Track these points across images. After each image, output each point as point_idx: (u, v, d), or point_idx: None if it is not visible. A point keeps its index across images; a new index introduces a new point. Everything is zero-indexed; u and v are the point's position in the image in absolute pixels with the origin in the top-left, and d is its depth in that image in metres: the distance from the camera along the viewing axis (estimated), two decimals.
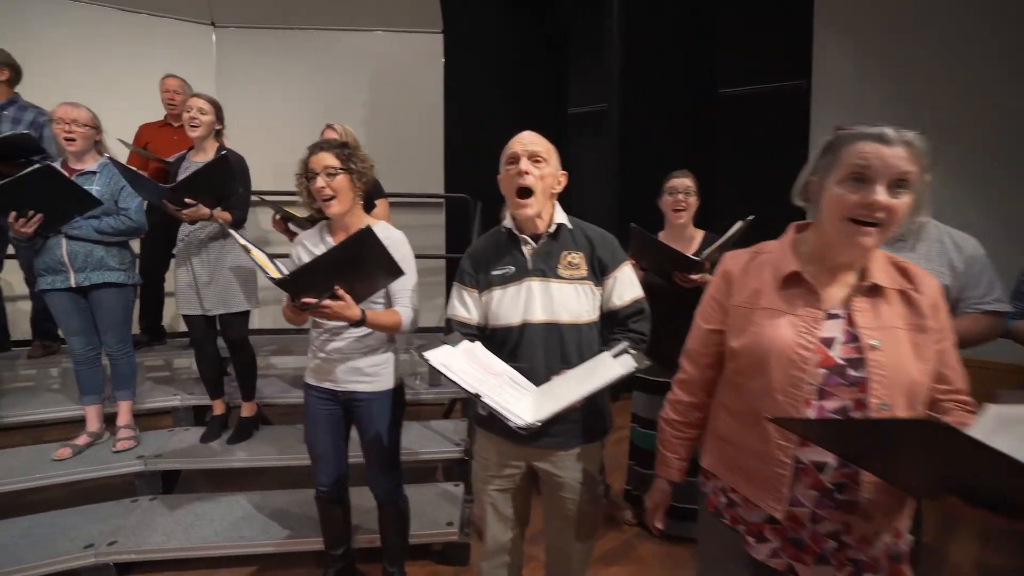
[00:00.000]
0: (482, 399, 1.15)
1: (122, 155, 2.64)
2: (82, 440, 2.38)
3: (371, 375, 1.64)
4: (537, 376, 1.32)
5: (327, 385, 1.65)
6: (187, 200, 2.09)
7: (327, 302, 1.39)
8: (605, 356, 1.26)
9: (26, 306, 3.09)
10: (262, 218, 3.56)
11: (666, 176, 2.16)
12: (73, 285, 2.22)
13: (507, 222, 1.42)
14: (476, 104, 3.89)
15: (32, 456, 2.32)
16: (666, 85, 3.94)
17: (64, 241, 2.18)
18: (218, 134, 2.33)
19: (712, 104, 4.29)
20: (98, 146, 2.30)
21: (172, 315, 3.36)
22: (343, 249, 1.34)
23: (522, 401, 1.22)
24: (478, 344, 1.35)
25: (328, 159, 1.53)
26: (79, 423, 2.47)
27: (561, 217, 1.40)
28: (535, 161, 1.32)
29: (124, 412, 2.48)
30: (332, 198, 1.53)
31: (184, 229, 2.32)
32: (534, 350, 1.35)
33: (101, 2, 3.45)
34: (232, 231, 1.46)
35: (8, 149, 2.54)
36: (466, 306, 1.43)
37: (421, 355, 1.20)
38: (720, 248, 1.85)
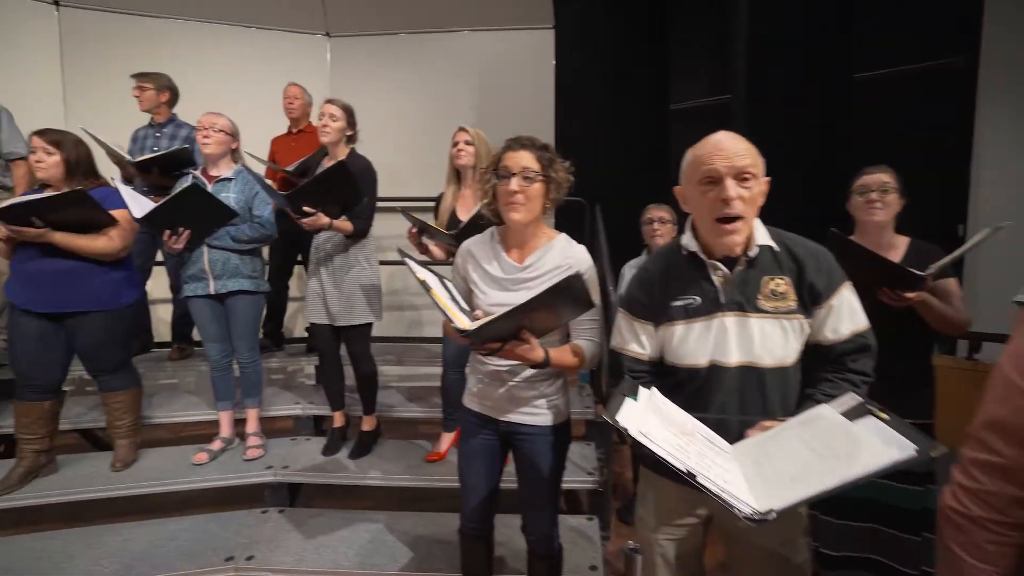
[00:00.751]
0: (697, 479, 0.90)
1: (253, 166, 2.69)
2: (216, 445, 2.42)
3: (539, 407, 1.43)
4: (728, 429, 1.08)
5: (489, 413, 1.47)
6: (305, 208, 2.04)
7: (510, 346, 1.21)
8: (826, 411, 0.98)
9: (164, 310, 3.27)
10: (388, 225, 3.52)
11: (856, 173, 1.81)
12: (212, 292, 2.25)
13: (688, 241, 1.16)
14: (586, 102, 3.67)
15: (174, 458, 2.39)
16: (797, 72, 3.50)
17: (206, 250, 2.22)
18: (350, 139, 2.26)
19: (848, 90, 3.78)
20: (234, 154, 2.32)
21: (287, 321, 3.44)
22: (552, 293, 1.13)
23: (735, 474, 0.97)
24: (655, 392, 1.12)
25: (528, 160, 1.32)
26: (212, 423, 2.53)
27: (763, 236, 1.13)
28: (743, 180, 1.06)
29: (252, 419, 2.50)
30: (521, 205, 1.33)
31: (318, 238, 2.28)
32: (726, 398, 1.11)
33: (224, 20, 3.60)
34: (410, 261, 1.30)
35: (170, 163, 2.69)
36: (639, 341, 1.21)
37: (613, 422, 0.96)
38: (954, 261, 1.49)
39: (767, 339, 1.09)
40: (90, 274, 2.07)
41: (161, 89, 2.90)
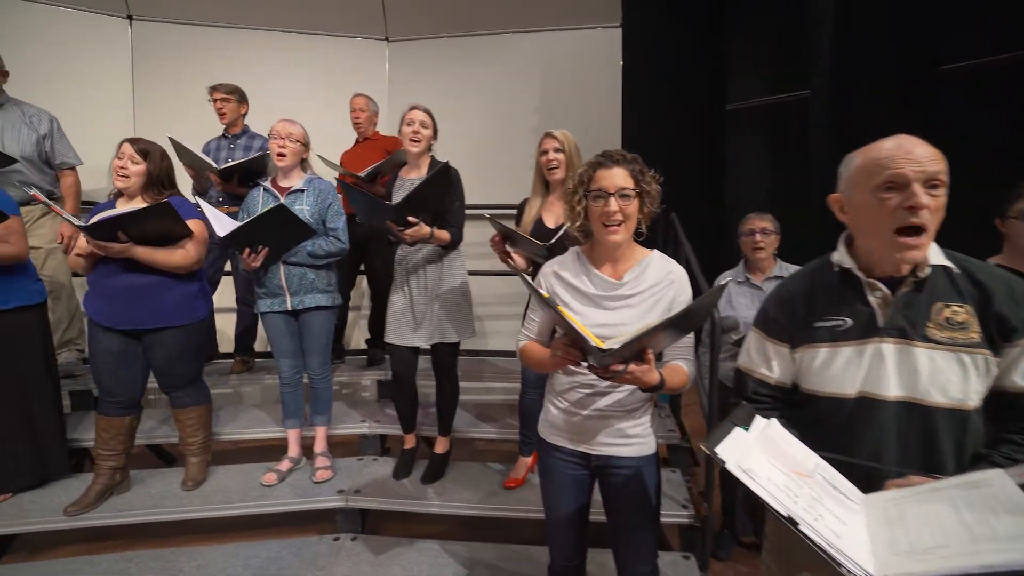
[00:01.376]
0: (799, 528, 0.78)
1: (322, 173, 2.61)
2: (285, 466, 2.33)
3: (634, 436, 1.29)
4: (874, 477, 0.91)
5: (577, 447, 1.32)
6: (410, 219, 1.92)
7: (635, 366, 1.08)
8: (997, 477, 0.79)
9: (223, 321, 3.23)
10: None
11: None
12: (288, 308, 2.16)
13: (840, 257, 1.02)
14: (654, 103, 3.47)
15: (242, 477, 2.31)
16: (879, 65, 3.22)
17: (282, 266, 2.13)
18: (430, 148, 2.15)
19: (932, 82, 3.46)
20: (303, 164, 2.24)
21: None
22: (686, 315, 1.03)
23: (856, 529, 0.82)
24: (774, 423, 0.97)
25: (623, 178, 1.20)
26: (277, 440, 2.46)
27: (937, 255, 0.97)
28: (933, 187, 0.90)
29: (321, 439, 2.40)
30: (620, 223, 1.21)
31: (401, 250, 2.17)
32: (881, 439, 0.94)
33: (286, 28, 3.58)
34: (526, 276, 1.18)
35: (249, 172, 2.65)
36: (769, 362, 1.08)
37: (711, 452, 0.86)
38: None
39: (939, 373, 0.91)
40: (165, 289, 2.01)
41: (242, 101, 2.88)
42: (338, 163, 3.06)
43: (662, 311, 1.22)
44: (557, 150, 2.00)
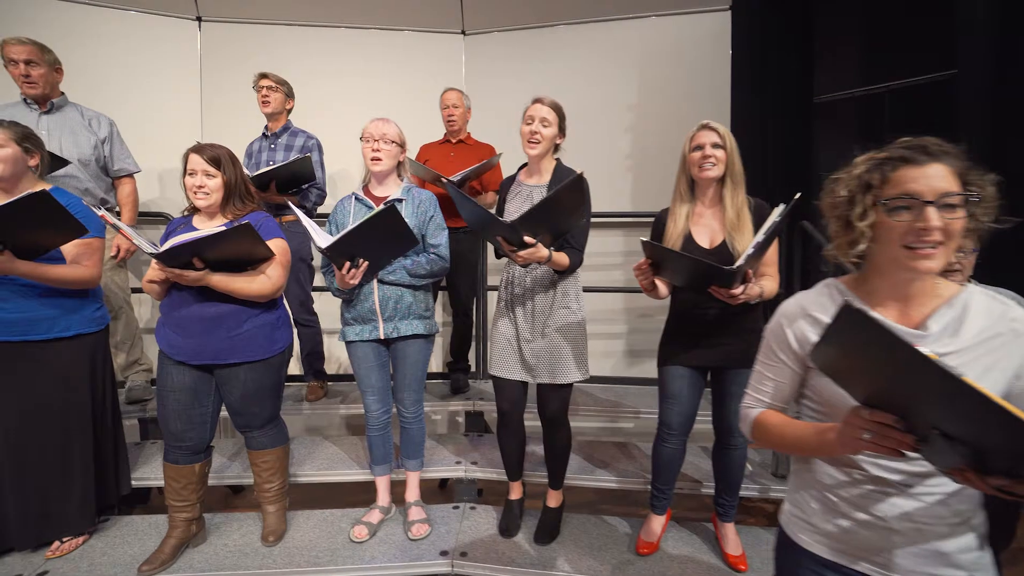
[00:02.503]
0: None
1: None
2: (375, 517, 2.02)
3: (964, 567, 0.85)
4: None
5: (876, 570, 0.90)
6: (526, 239, 1.57)
7: None
8: None
9: None
10: None
11: None
12: (381, 336, 1.85)
13: None
14: (766, 94, 3.03)
15: (327, 528, 2.01)
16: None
17: (376, 287, 1.82)
18: (556, 147, 1.80)
19: None
20: (399, 168, 1.93)
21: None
22: None
23: None
24: None
25: (946, 179, 0.80)
26: (360, 482, 2.17)
27: None
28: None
29: (413, 486, 2.09)
30: (939, 245, 0.80)
31: (510, 272, 1.84)
32: None
33: (360, 24, 3.33)
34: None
35: (289, 178, 2.37)
36: None
37: None
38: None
39: None
40: (243, 319, 1.72)
41: (289, 96, 2.60)
42: (418, 152, 2.78)
43: (1004, 381, 0.81)
44: (716, 146, 1.61)
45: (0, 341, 1.70)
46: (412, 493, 2.08)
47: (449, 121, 2.69)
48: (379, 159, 1.81)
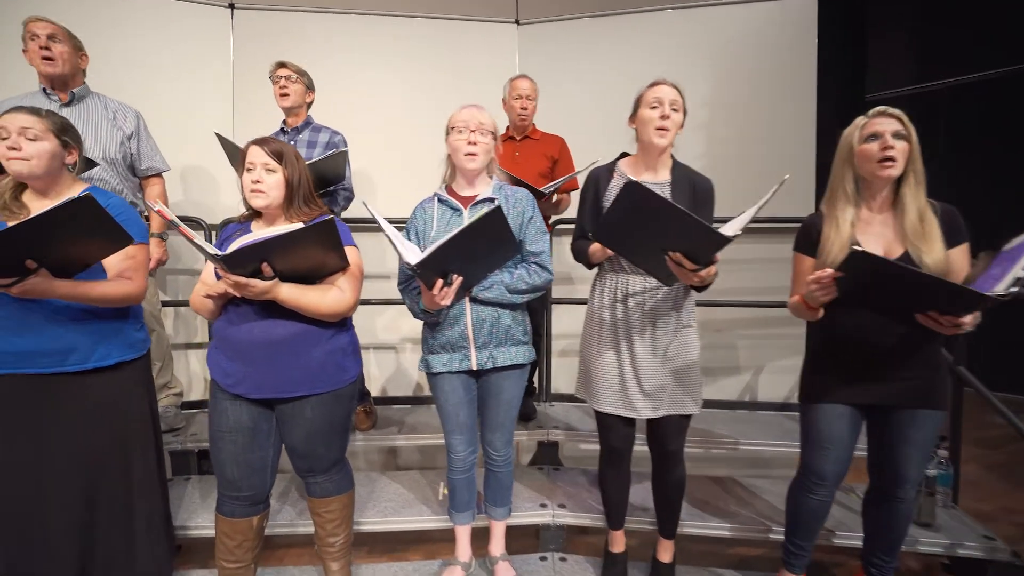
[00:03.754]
0: None
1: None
2: (456, 574, 1.72)
3: None
4: None
5: None
6: (673, 254, 1.28)
7: None
8: None
9: None
10: None
11: None
12: (473, 367, 1.55)
13: None
14: (856, 87, 2.75)
15: None
16: None
17: (468, 307, 1.53)
18: None
19: None
20: (491, 165, 1.64)
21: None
22: None
23: None
24: None
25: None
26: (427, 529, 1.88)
27: None
28: None
29: (499, 537, 1.80)
30: None
31: (613, 288, 1.56)
32: None
33: (404, 12, 3.05)
34: None
35: (317, 178, 2.05)
36: None
37: None
38: None
39: None
40: (311, 343, 1.42)
41: (310, 88, 2.29)
42: None
43: None
44: (899, 135, 1.32)
45: (30, 375, 1.39)
46: (498, 546, 1.79)
47: (521, 114, 2.38)
48: (475, 154, 1.52)
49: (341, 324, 1.51)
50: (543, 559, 1.88)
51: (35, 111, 1.43)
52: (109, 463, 1.50)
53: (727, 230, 1.23)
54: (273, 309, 1.37)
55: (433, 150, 3.09)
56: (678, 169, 1.53)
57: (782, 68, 2.84)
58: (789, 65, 2.83)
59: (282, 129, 2.28)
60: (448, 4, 3.06)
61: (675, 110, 1.46)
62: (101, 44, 2.66)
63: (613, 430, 1.59)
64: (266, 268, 1.29)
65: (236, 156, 2.00)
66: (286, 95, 2.18)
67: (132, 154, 2.12)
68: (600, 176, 1.60)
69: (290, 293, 1.34)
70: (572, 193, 2.41)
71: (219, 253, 1.28)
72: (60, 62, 1.97)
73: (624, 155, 1.65)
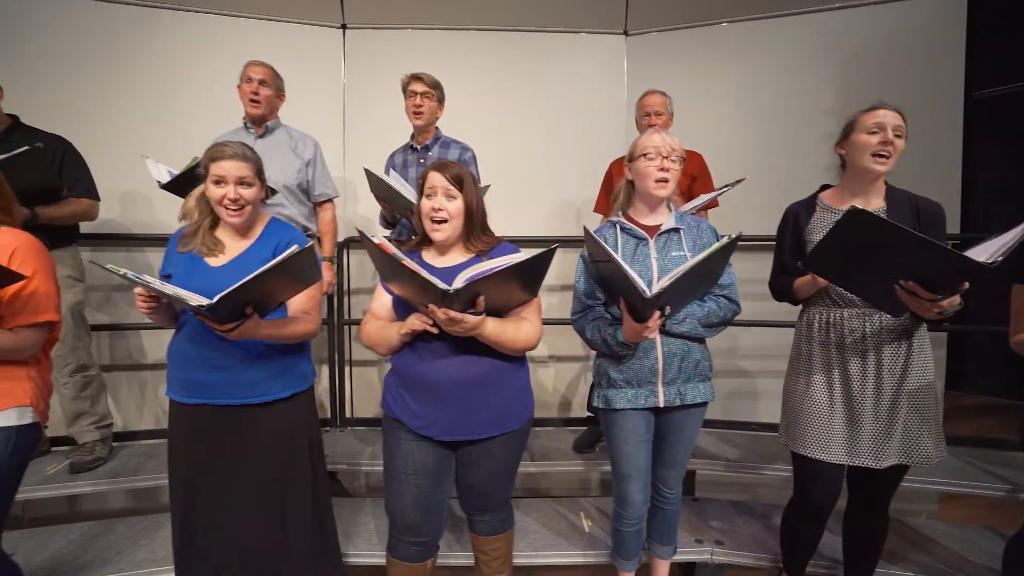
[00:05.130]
0: None
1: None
2: None
3: None
4: None
5: None
6: (906, 283, 1.18)
7: None
8: None
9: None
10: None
11: None
12: (660, 404, 1.48)
13: None
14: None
15: None
16: None
17: (659, 340, 1.46)
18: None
19: None
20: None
21: None
22: None
23: None
24: None
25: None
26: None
27: None
28: None
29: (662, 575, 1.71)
30: None
31: (821, 318, 1.47)
32: None
33: (513, 27, 3.02)
34: None
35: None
36: None
37: None
38: None
39: None
40: (503, 380, 1.38)
41: (441, 100, 2.23)
42: (609, 168, 2.45)
43: None
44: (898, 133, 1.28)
45: (223, 405, 1.41)
46: None
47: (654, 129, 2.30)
48: (667, 180, 1.45)
49: (521, 359, 1.47)
50: None
51: (244, 155, 1.43)
52: (295, 486, 1.50)
53: (978, 254, 1.11)
54: (466, 346, 1.32)
55: (543, 165, 3.07)
56: (895, 194, 1.42)
57: (909, 72, 2.66)
58: (929, 68, 2.64)
59: (411, 146, 2.26)
60: (555, 17, 3.01)
61: (898, 136, 1.35)
62: (215, 66, 2.77)
63: (820, 480, 1.46)
64: (481, 303, 1.24)
65: (383, 191, 2.01)
66: (420, 113, 2.14)
67: (308, 180, 2.17)
68: (799, 211, 1.52)
69: (493, 328, 1.29)
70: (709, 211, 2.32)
71: (447, 288, 1.17)
72: (264, 105, 2.13)
73: (825, 187, 1.55)
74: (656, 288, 1.21)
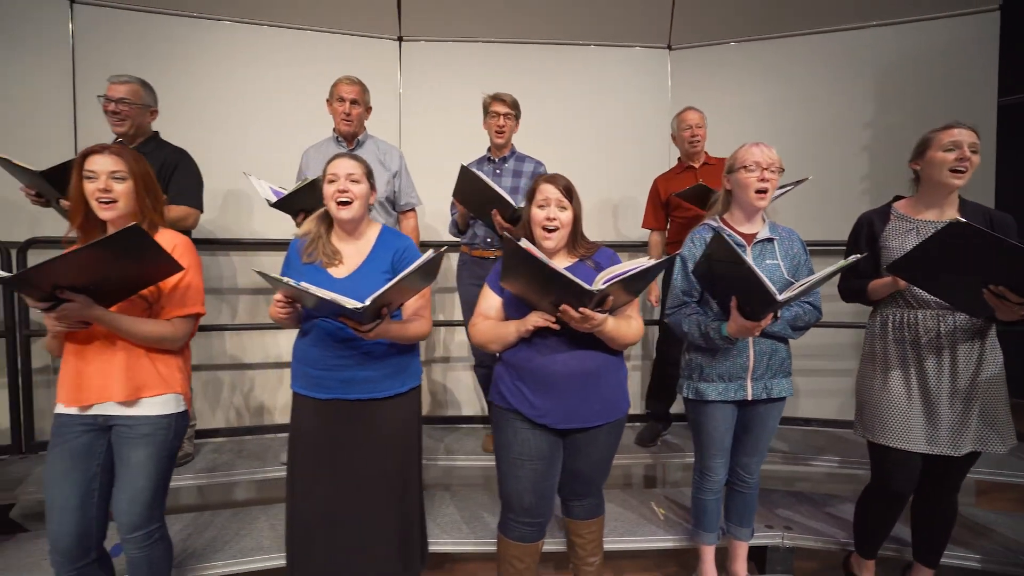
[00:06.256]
0: None
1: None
2: None
3: None
4: None
5: None
6: (995, 287, 1.32)
7: None
8: None
9: None
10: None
11: None
12: (749, 397, 1.62)
13: None
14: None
15: None
16: None
17: (751, 339, 1.60)
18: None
19: None
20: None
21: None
22: None
23: None
24: None
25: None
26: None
27: None
28: None
29: (743, 557, 1.85)
30: None
31: (897, 317, 1.61)
32: None
33: (556, 39, 3.16)
34: None
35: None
36: None
37: None
38: None
39: None
40: (612, 372, 1.52)
41: (518, 118, 2.35)
42: (654, 185, 2.59)
43: None
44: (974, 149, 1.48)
45: (351, 400, 1.53)
46: (742, 566, 1.84)
47: (693, 142, 2.45)
48: (767, 191, 1.58)
49: (620, 356, 1.59)
50: None
51: (355, 157, 1.56)
52: (410, 473, 1.63)
53: None
54: (580, 341, 1.45)
55: (588, 175, 3.19)
56: (968, 207, 1.56)
57: (949, 86, 2.81)
58: (962, 81, 2.79)
59: (488, 159, 2.39)
60: (603, 32, 3.14)
61: (974, 151, 1.49)
62: (276, 77, 2.89)
63: (904, 469, 1.60)
64: (610, 302, 1.36)
65: (474, 191, 2.06)
66: (502, 133, 2.27)
67: (395, 191, 2.28)
68: (873, 219, 1.67)
69: (613, 325, 1.42)
70: None
71: (595, 290, 1.30)
72: (355, 122, 2.23)
73: (897, 198, 1.69)
74: (786, 294, 1.34)
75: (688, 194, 2.25)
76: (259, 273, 1.32)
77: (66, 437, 1.38)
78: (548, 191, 1.50)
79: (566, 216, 1.50)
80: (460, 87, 3.10)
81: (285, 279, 1.29)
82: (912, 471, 1.59)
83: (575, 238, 1.54)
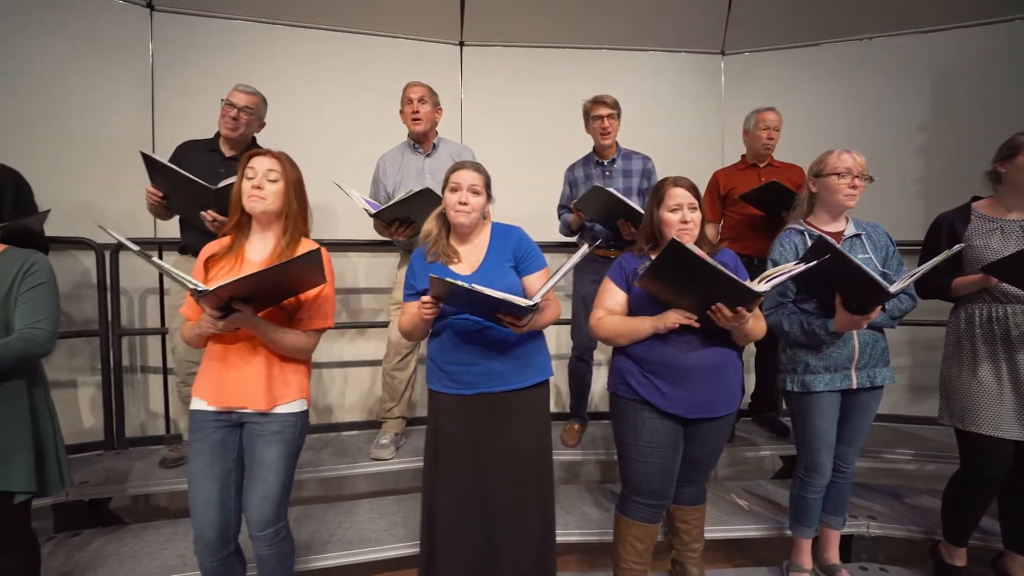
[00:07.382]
0: None
1: None
2: None
3: None
4: None
5: None
6: None
7: None
8: None
9: None
10: None
11: None
12: (854, 386, 1.69)
13: None
14: None
15: None
16: None
17: (855, 331, 1.67)
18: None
19: None
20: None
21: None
22: None
23: None
24: None
25: None
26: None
27: None
28: None
29: (835, 545, 1.92)
30: None
31: (997, 317, 1.68)
32: None
33: (609, 45, 3.24)
34: None
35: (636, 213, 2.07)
36: None
37: None
38: None
39: None
40: (733, 367, 1.61)
41: (620, 114, 2.39)
42: (713, 177, 2.66)
43: None
44: None
45: (495, 392, 1.57)
46: (835, 553, 1.90)
47: (767, 144, 2.52)
48: (855, 195, 1.66)
49: (742, 350, 1.66)
50: (864, 568, 1.98)
51: (477, 166, 1.62)
52: (545, 464, 1.67)
53: None
54: (711, 336, 1.52)
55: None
56: None
57: (1002, 90, 2.90)
58: (1010, 87, 2.88)
59: (596, 161, 2.44)
60: (657, 37, 3.22)
61: None
62: (337, 83, 2.95)
63: (996, 455, 1.66)
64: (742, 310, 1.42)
65: (604, 202, 2.11)
66: (608, 134, 2.34)
67: None
68: (953, 219, 1.75)
69: (752, 323, 1.49)
70: None
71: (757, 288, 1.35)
72: (424, 120, 2.26)
73: (975, 198, 1.77)
74: (897, 286, 1.41)
75: (753, 195, 2.32)
76: (433, 278, 1.33)
77: (204, 432, 1.42)
78: (680, 196, 1.56)
79: (698, 217, 1.57)
80: (520, 91, 3.18)
81: (459, 282, 1.31)
82: (1003, 456, 1.66)
83: (702, 237, 1.61)
